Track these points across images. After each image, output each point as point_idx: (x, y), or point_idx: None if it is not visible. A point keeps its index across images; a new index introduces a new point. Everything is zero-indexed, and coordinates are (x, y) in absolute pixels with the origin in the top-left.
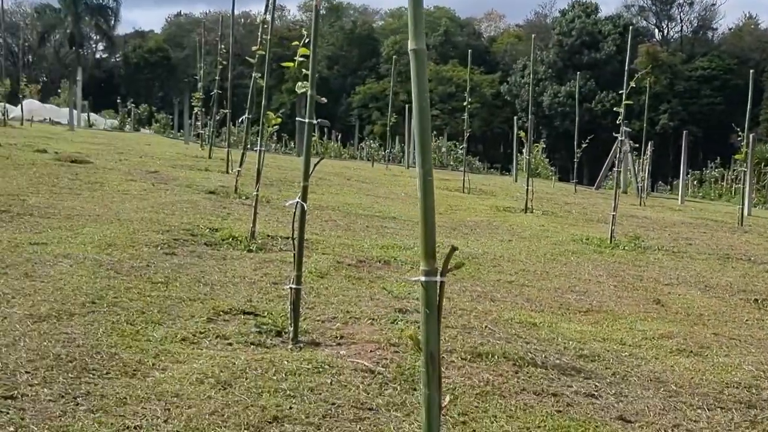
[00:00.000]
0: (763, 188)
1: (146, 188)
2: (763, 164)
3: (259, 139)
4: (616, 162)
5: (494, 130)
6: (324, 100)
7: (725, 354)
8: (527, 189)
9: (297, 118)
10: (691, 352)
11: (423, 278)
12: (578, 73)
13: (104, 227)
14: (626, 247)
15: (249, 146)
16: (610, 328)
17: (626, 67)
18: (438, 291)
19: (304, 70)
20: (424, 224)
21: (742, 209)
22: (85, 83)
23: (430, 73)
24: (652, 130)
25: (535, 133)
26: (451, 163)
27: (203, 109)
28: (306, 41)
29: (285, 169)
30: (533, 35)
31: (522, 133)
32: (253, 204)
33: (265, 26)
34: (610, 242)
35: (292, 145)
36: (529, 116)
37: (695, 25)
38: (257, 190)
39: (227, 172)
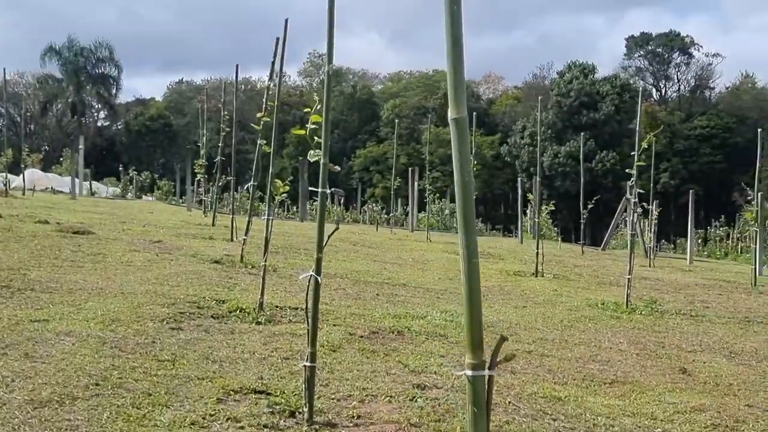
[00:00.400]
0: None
1: (150, 259)
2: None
3: (267, 207)
4: (624, 222)
5: (495, 191)
6: (337, 168)
7: (762, 428)
8: (537, 252)
9: (300, 183)
10: (727, 426)
11: (470, 372)
12: (582, 133)
13: (108, 301)
14: (643, 312)
15: (255, 213)
16: (638, 402)
17: (637, 128)
18: (486, 386)
19: (316, 137)
20: (469, 311)
21: (755, 269)
22: (87, 151)
23: (431, 136)
24: (653, 188)
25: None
26: (454, 225)
27: (206, 176)
28: (318, 108)
29: (290, 235)
30: (539, 97)
31: (530, 195)
32: (261, 274)
33: (270, 93)
34: (627, 307)
35: (295, 209)
36: (537, 178)
37: (693, 84)
38: (265, 260)
39: (232, 240)
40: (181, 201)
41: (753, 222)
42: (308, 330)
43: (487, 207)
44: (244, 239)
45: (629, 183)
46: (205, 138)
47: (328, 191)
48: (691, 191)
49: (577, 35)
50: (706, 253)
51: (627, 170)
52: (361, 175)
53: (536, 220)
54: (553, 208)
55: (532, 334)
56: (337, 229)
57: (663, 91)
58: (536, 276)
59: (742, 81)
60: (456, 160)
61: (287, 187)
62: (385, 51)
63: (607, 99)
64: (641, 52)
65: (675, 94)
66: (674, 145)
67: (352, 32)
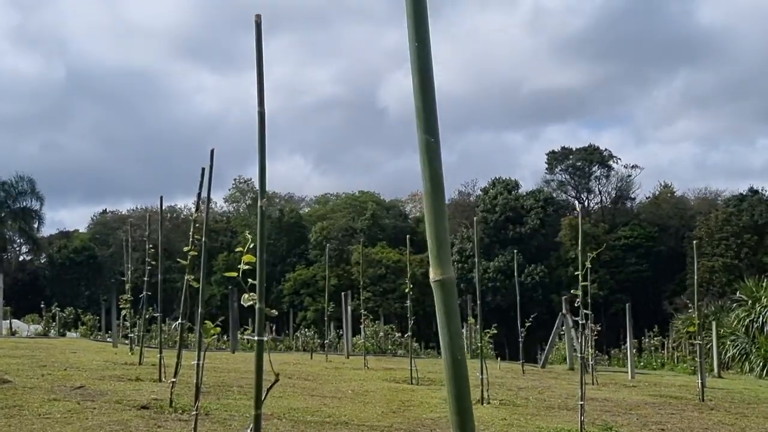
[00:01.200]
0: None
1: (71, 409)
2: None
3: (197, 351)
4: (560, 337)
5: (426, 309)
6: (275, 312)
7: None
8: (481, 378)
9: (230, 312)
10: None
11: None
12: (513, 249)
13: None
14: None
15: (185, 345)
16: None
17: (579, 247)
18: None
19: (249, 280)
20: None
21: (701, 383)
22: (7, 288)
23: (359, 256)
24: (583, 300)
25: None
26: (390, 347)
27: (131, 311)
28: (250, 246)
29: (221, 370)
30: (475, 218)
31: (471, 320)
32: (193, 424)
33: (197, 225)
34: None
35: (225, 338)
36: (477, 302)
37: (613, 196)
38: (197, 408)
39: (160, 380)
40: (106, 336)
41: (689, 333)
42: None
43: (420, 326)
44: (173, 381)
45: (576, 303)
46: (130, 271)
47: (265, 338)
48: (627, 305)
49: (497, 151)
50: (642, 363)
51: (572, 291)
52: (291, 299)
53: (479, 344)
54: (495, 331)
55: None
56: (276, 381)
57: (586, 203)
58: (482, 403)
59: (661, 191)
60: (443, 331)
61: (218, 330)
62: (310, 174)
63: (531, 213)
64: (562, 167)
65: (597, 206)
66: (600, 256)
67: (276, 156)
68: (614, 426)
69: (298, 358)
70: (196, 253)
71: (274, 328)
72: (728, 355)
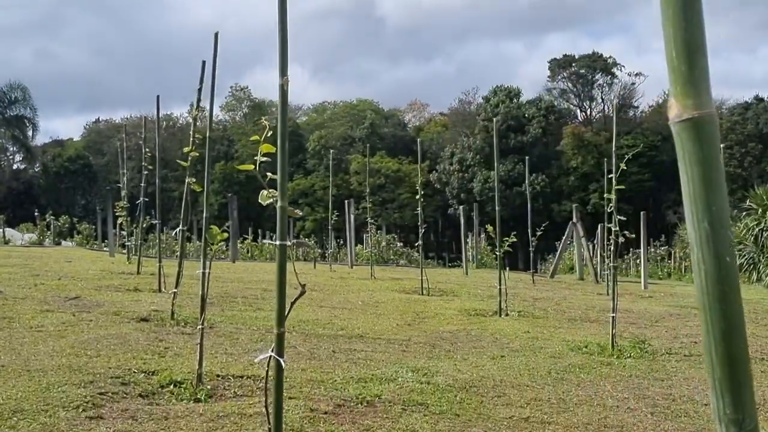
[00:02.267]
0: None
1: (65, 321)
2: None
3: (202, 258)
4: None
5: (425, 218)
6: (299, 212)
7: None
8: (500, 289)
9: (230, 221)
10: None
11: None
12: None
13: (9, 383)
14: (632, 355)
15: (184, 255)
16: None
17: (613, 148)
18: None
19: (269, 174)
20: None
21: None
22: (1, 196)
23: (358, 165)
24: (584, 209)
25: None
26: (392, 257)
27: (128, 218)
28: (269, 134)
29: (223, 280)
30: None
31: (490, 227)
32: (199, 338)
33: (198, 124)
34: (613, 349)
35: (224, 248)
36: (496, 208)
37: (616, 104)
38: (202, 322)
39: (160, 291)
40: (103, 245)
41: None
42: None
43: (417, 235)
44: (174, 292)
45: (608, 209)
46: (125, 178)
47: (289, 243)
48: (642, 213)
49: (496, 61)
50: (648, 273)
51: (605, 195)
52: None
53: (498, 253)
54: (515, 239)
55: (522, 393)
56: (303, 293)
57: (588, 112)
58: (500, 315)
59: (664, 99)
60: (695, 209)
61: (225, 234)
62: (307, 84)
63: (533, 122)
64: (564, 74)
65: (599, 114)
66: (601, 165)
67: (273, 65)
68: (646, 339)
69: (301, 268)
70: (198, 155)
71: (272, 236)
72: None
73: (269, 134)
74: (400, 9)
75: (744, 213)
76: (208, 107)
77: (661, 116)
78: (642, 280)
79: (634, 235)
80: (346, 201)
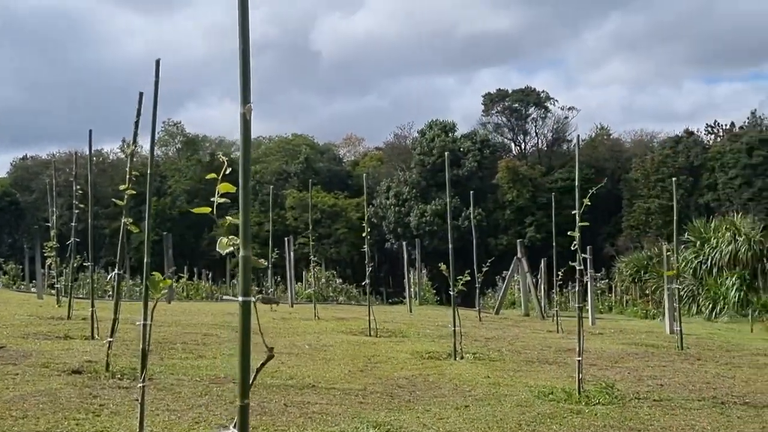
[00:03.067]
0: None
1: None
2: (642, 272)
3: (143, 309)
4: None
5: (363, 253)
6: (264, 263)
7: None
8: (454, 330)
9: (165, 259)
10: None
11: None
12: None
13: None
14: (601, 401)
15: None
16: None
17: (576, 182)
18: None
19: (229, 218)
20: None
21: (680, 331)
22: None
23: (294, 200)
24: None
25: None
26: (331, 294)
27: (57, 258)
28: (227, 172)
29: (160, 324)
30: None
31: (443, 266)
32: (139, 396)
33: (135, 159)
34: (580, 395)
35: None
36: (449, 246)
37: (550, 138)
38: (143, 380)
39: (93, 338)
40: (30, 286)
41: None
42: None
43: (354, 270)
44: (109, 341)
45: (519, 241)
46: (55, 215)
47: (252, 299)
48: (588, 247)
49: (429, 96)
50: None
51: (569, 233)
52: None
53: (451, 293)
54: (468, 278)
55: None
56: (271, 358)
57: (522, 146)
58: (455, 358)
59: (597, 133)
60: None
61: (168, 282)
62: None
63: (469, 155)
64: (498, 109)
65: (533, 148)
66: (537, 198)
67: (205, 102)
68: (612, 383)
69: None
70: (135, 192)
71: (210, 275)
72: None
73: (227, 172)
74: (334, 43)
75: (682, 246)
76: (143, 142)
77: (594, 150)
78: (590, 315)
79: (597, 273)
80: (286, 239)
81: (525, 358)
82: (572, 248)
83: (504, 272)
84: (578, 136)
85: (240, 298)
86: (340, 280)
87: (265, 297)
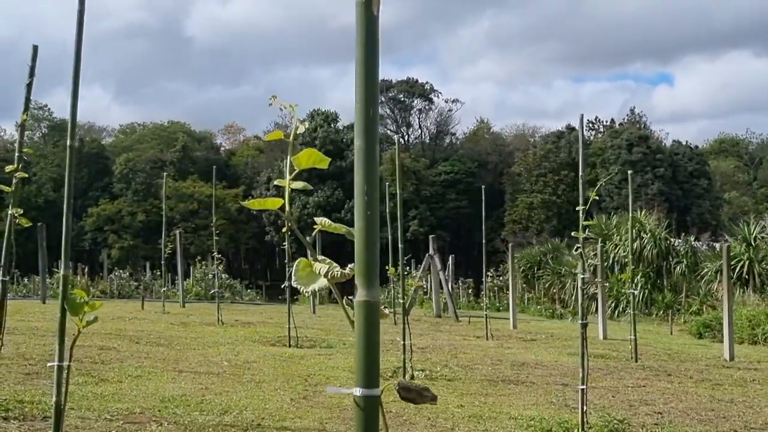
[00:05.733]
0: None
1: None
2: (535, 268)
3: (57, 346)
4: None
5: (240, 245)
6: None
7: None
8: (404, 345)
9: (39, 252)
10: None
11: None
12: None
13: None
14: None
15: None
16: None
17: (580, 172)
18: None
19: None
20: None
21: (635, 341)
22: None
23: (169, 190)
24: (402, 236)
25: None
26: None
27: None
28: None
29: (41, 333)
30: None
31: (392, 270)
32: None
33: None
34: (582, 430)
35: (26, 281)
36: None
37: (433, 131)
38: None
39: None
40: None
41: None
42: None
43: (232, 263)
44: None
45: (431, 237)
46: None
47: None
48: (510, 245)
49: (306, 87)
50: (482, 304)
51: (573, 233)
52: (94, 235)
53: (402, 301)
54: (422, 283)
55: None
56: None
57: (406, 138)
58: (404, 376)
59: (479, 126)
60: None
61: (99, 304)
62: (110, 104)
63: (352, 147)
64: (382, 99)
65: (417, 141)
66: (421, 192)
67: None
68: (624, 418)
69: (130, 309)
70: (27, 175)
71: (86, 269)
72: (572, 296)
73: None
74: (208, 30)
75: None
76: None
77: (477, 143)
78: (511, 318)
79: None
80: (178, 231)
81: (482, 376)
82: (575, 251)
83: (387, 265)
84: (582, 115)
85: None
86: (226, 275)
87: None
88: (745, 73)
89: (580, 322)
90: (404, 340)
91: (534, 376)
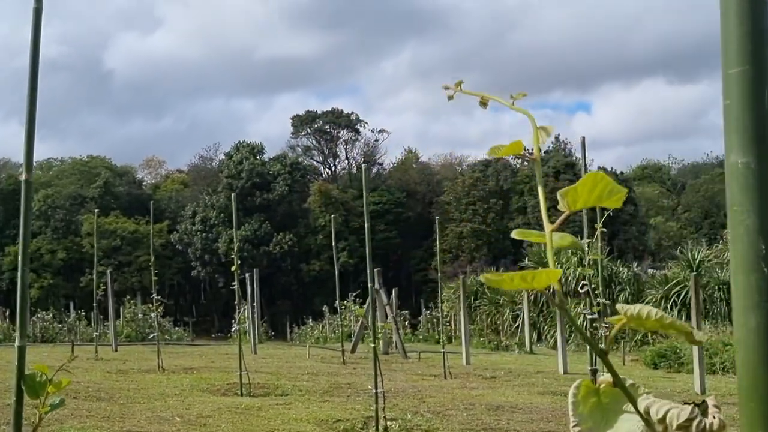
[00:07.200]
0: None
1: None
2: (472, 298)
3: None
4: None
5: (166, 282)
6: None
7: None
8: (376, 394)
9: None
10: None
11: None
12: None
13: None
14: None
15: None
16: None
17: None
18: None
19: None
20: None
21: (594, 372)
22: None
23: (90, 226)
24: (332, 268)
25: (218, 283)
26: (149, 330)
27: None
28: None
29: None
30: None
31: (359, 310)
32: None
33: None
34: None
35: None
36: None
37: (360, 161)
38: None
39: None
40: None
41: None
42: None
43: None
44: None
45: (377, 270)
46: None
47: None
48: (461, 278)
49: (229, 120)
50: (420, 338)
51: (579, 269)
52: (12, 275)
53: (373, 343)
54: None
55: None
56: None
57: (333, 169)
58: (377, 429)
59: (407, 156)
60: None
61: (67, 381)
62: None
63: (279, 179)
64: (308, 130)
65: (344, 171)
66: (350, 223)
67: None
68: None
69: (58, 356)
70: None
71: (7, 312)
72: (514, 325)
73: None
74: (128, 63)
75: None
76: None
77: (405, 173)
78: (464, 353)
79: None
80: (109, 270)
81: (460, 424)
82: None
83: (316, 299)
84: (583, 138)
85: None
86: (155, 314)
87: None
88: (659, 100)
89: (588, 368)
90: (376, 388)
91: (515, 421)
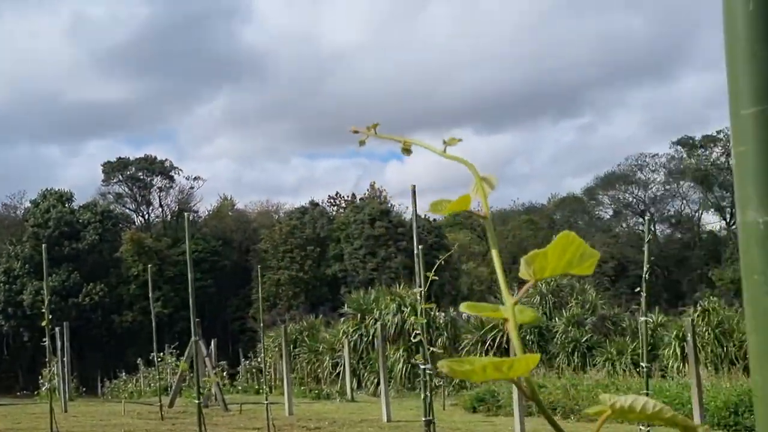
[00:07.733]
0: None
1: None
2: (292, 346)
3: None
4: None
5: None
6: None
7: None
8: None
9: None
10: None
11: None
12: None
13: None
14: None
15: None
16: None
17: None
18: None
19: None
20: None
21: (431, 423)
22: None
23: None
24: (145, 319)
25: (22, 337)
26: None
27: None
28: None
29: None
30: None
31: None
32: None
33: None
34: None
35: None
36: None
37: (175, 209)
38: None
39: None
40: None
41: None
42: None
43: None
44: None
45: (197, 320)
46: None
47: None
48: (283, 323)
49: (36, 165)
50: (239, 389)
51: (413, 318)
52: None
53: (178, 385)
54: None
55: None
56: None
57: (147, 217)
58: None
59: (222, 203)
60: None
61: None
62: None
63: (89, 228)
64: (120, 178)
65: (158, 219)
66: (164, 272)
67: None
68: None
69: None
70: None
71: None
72: (335, 373)
73: None
74: None
75: (342, 318)
76: None
77: (221, 221)
78: (286, 404)
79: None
80: None
81: None
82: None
83: (129, 350)
84: (413, 186)
85: None
86: None
87: None
88: (468, 149)
89: (423, 419)
90: None
91: None
